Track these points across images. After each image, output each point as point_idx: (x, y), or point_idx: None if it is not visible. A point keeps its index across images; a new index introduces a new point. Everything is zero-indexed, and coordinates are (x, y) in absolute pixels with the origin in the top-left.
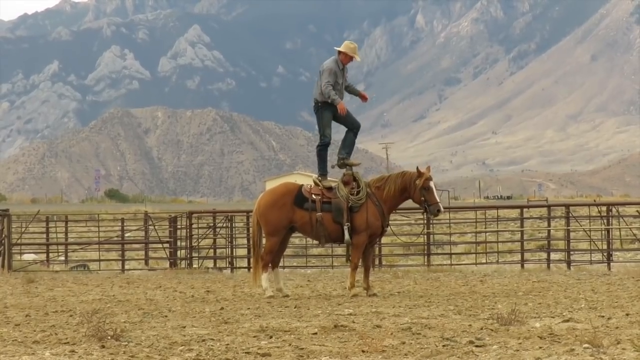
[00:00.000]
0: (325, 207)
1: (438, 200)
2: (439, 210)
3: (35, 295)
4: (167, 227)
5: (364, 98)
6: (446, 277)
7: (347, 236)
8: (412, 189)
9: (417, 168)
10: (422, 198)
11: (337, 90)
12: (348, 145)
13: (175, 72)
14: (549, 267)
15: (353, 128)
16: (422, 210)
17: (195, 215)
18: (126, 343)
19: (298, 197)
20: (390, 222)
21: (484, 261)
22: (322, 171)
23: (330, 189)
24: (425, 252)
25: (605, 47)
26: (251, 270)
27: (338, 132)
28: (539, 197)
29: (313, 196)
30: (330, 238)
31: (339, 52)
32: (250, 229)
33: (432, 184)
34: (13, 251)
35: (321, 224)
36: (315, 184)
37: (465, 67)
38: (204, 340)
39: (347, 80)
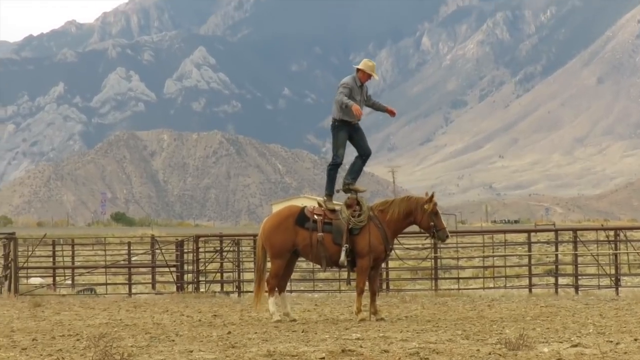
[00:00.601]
0: (326, 228)
1: (445, 226)
2: (447, 236)
3: (42, 319)
4: (174, 250)
5: (392, 113)
6: (454, 302)
7: (342, 257)
8: (420, 214)
9: (427, 193)
10: (432, 223)
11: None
12: (355, 171)
13: (181, 94)
14: (556, 291)
15: (363, 154)
16: (428, 235)
17: (202, 239)
18: None
19: (300, 217)
20: (397, 246)
21: (491, 286)
22: (329, 191)
23: (333, 211)
24: (433, 276)
25: (612, 69)
26: (253, 292)
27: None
28: (546, 221)
29: (315, 216)
30: (331, 260)
31: (357, 69)
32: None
33: (438, 208)
34: (19, 275)
35: (322, 244)
36: (319, 205)
37: (471, 89)
38: None
39: (371, 97)
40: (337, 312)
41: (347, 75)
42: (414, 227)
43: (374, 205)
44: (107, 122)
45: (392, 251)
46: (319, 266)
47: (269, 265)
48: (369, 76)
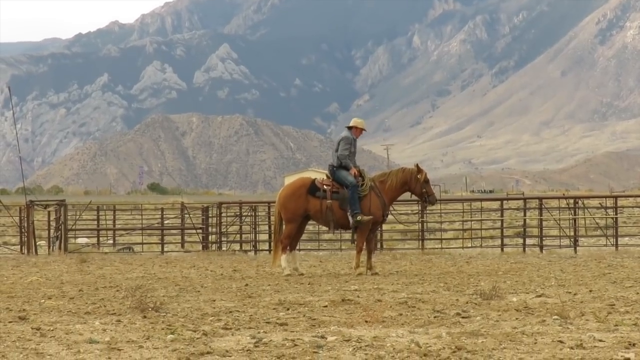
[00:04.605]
0: (334, 196)
1: (434, 192)
2: (436, 200)
3: (87, 273)
4: (200, 215)
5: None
6: (437, 259)
7: (352, 221)
8: (414, 183)
9: (417, 165)
10: (424, 190)
11: (350, 158)
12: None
13: (208, 83)
14: (524, 250)
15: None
16: (417, 202)
17: (224, 206)
18: (164, 314)
19: (312, 187)
20: (390, 212)
21: (469, 245)
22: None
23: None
24: (420, 237)
25: (574, 64)
26: (272, 252)
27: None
28: (516, 191)
29: (324, 187)
30: (338, 224)
31: (351, 127)
32: (273, 217)
33: (429, 177)
34: (68, 236)
35: (330, 210)
36: (327, 177)
37: (454, 80)
38: (230, 312)
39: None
40: (338, 267)
41: (344, 130)
42: (405, 196)
43: (374, 176)
44: (144, 107)
45: (389, 216)
46: (326, 228)
47: (283, 228)
48: (361, 131)
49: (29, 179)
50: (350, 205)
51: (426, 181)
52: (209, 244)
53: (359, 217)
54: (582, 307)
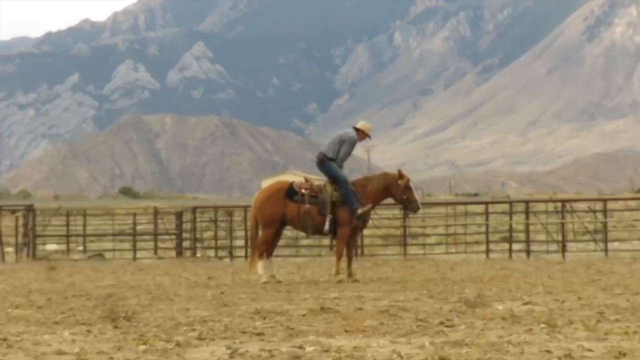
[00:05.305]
0: (312, 201)
1: (417, 199)
2: (418, 208)
3: (56, 281)
4: (174, 220)
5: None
6: (420, 265)
7: (326, 226)
8: (395, 188)
9: (399, 170)
10: (405, 196)
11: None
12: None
13: (182, 83)
14: (510, 256)
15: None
16: (400, 207)
17: (199, 210)
18: (136, 324)
19: (289, 191)
20: (371, 217)
21: (453, 251)
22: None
23: (318, 186)
24: (402, 243)
25: (560, 62)
26: (248, 258)
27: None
28: (502, 195)
29: (302, 190)
30: (316, 229)
31: (357, 129)
32: (249, 222)
33: (411, 184)
34: (37, 242)
35: (308, 215)
36: (306, 180)
37: (437, 79)
38: (205, 321)
39: None
40: (317, 274)
41: (349, 129)
42: (387, 200)
43: (355, 180)
44: (116, 108)
45: (369, 221)
46: (304, 234)
47: (260, 234)
48: (366, 137)
49: None
50: (347, 201)
51: (407, 187)
52: (183, 250)
53: (359, 211)
54: (571, 315)
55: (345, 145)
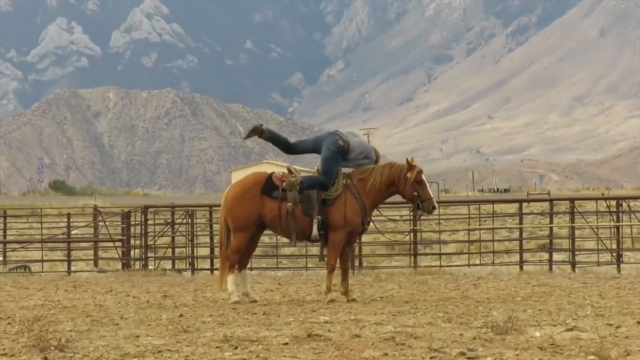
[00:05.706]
0: (296, 198)
1: (432, 196)
2: (433, 207)
3: None
4: (120, 223)
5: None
6: (435, 280)
7: (314, 231)
8: (403, 183)
9: (407, 159)
10: (415, 193)
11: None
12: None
13: (130, 47)
14: (551, 269)
15: (290, 151)
16: (410, 206)
17: (151, 210)
18: (72, 354)
19: (267, 184)
20: (374, 217)
21: (477, 262)
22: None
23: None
24: (412, 252)
25: (616, 20)
26: (216, 272)
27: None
28: (540, 190)
29: (284, 184)
30: (302, 234)
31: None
32: (216, 225)
33: (424, 177)
34: None
35: (292, 215)
36: (289, 171)
37: (457, 43)
38: (160, 352)
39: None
40: (303, 292)
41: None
42: (394, 198)
43: (352, 172)
44: (45, 79)
45: (370, 225)
46: (286, 240)
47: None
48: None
49: None
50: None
51: (418, 181)
52: (131, 261)
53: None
54: (628, 343)
55: (356, 151)
